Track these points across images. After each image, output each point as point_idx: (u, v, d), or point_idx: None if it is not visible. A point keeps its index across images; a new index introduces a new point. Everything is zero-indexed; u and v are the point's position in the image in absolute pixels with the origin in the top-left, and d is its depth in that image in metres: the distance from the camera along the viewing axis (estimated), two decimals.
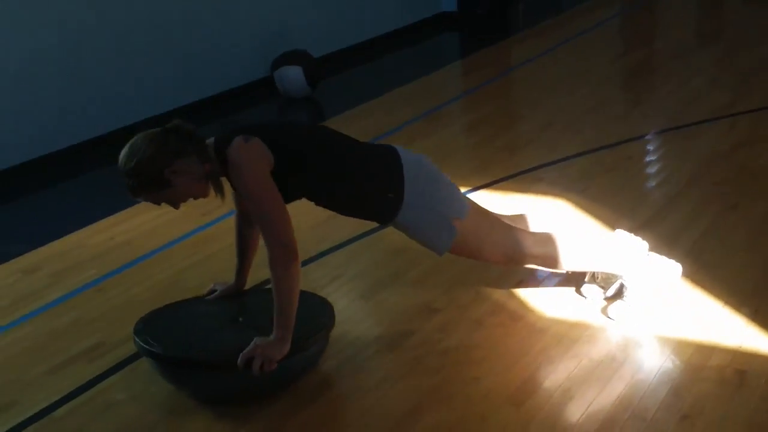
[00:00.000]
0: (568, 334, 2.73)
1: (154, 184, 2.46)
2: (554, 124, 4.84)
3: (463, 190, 3.12)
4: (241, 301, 2.80)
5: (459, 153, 4.57)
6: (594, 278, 2.93)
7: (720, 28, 7.09)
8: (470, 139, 4.80)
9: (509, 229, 2.77)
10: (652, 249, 3.20)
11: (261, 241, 2.58)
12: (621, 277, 2.83)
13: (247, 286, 2.88)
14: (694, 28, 7.37)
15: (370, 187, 2.61)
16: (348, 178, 2.60)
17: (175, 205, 2.55)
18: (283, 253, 2.41)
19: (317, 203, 2.69)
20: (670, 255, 3.13)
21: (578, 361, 2.59)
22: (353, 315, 3.00)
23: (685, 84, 5.36)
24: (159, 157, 2.43)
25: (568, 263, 2.78)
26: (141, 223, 4.05)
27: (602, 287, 2.91)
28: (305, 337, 2.51)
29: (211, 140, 2.53)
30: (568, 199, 3.75)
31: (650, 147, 4.37)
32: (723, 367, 2.49)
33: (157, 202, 2.54)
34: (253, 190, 2.42)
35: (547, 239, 2.77)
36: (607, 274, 2.88)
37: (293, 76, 5.91)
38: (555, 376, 2.54)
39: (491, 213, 2.86)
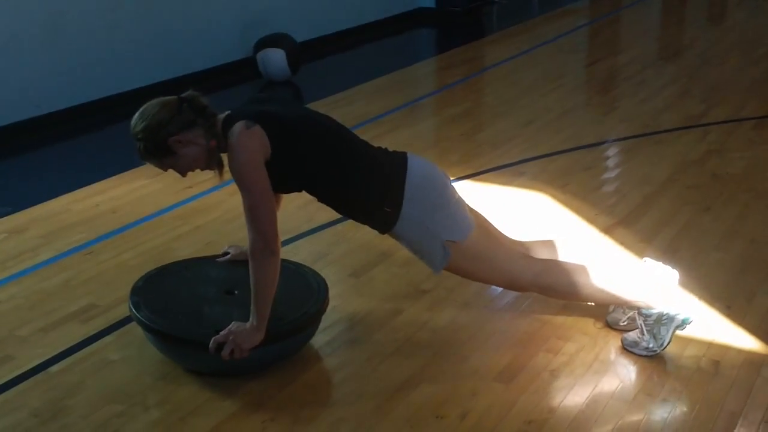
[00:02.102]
0: (553, 320, 2.84)
1: (158, 150, 2.48)
2: (534, 123, 4.97)
3: None
4: (246, 270, 2.80)
5: (442, 144, 4.67)
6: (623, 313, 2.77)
7: (686, 43, 7.31)
8: (452, 131, 4.90)
9: (514, 256, 2.68)
10: (630, 245, 3.36)
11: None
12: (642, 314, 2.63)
13: None
14: (661, 41, 7.58)
15: (367, 198, 2.56)
16: (345, 188, 2.56)
17: (182, 173, 2.57)
18: (262, 245, 2.41)
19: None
20: (647, 251, 3.30)
21: (563, 344, 2.70)
22: (343, 292, 3.07)
23: (658, 93, 5.53)
24: (166, 125, 2.44)
25: (575, 298, 2.73)
26: (124, 193, 4.07)
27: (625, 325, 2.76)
28: (292, 325, 2.56)
29: (222, 115, 2.52)
30: (549, 194, 3.88)
31: (626, 150, 4.52)
32: (699, 357, 2.62)
33: (163, 168, 2.56)
34: (242, 177, 2.42)
35: (555, 271, 2.66)
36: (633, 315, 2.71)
37: (276, 58, 5.96)
38: (541, 357, 2.65)
39: (499, 236, 2.75)
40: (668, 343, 2.58)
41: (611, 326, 2.77)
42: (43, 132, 5.11)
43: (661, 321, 2.58)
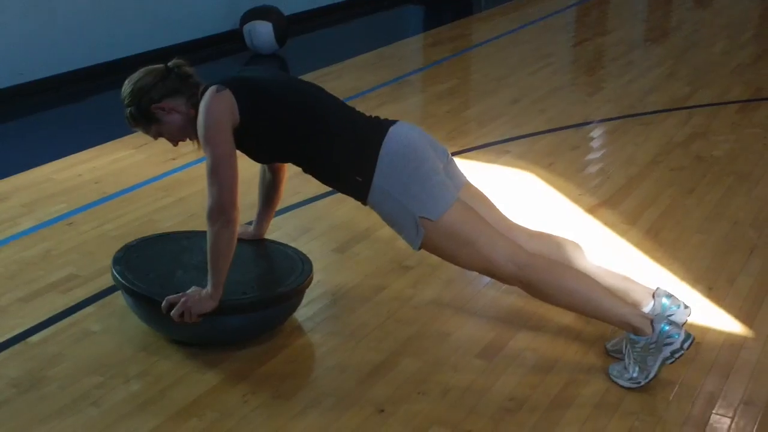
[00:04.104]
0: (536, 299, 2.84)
1: (142, 116, 2.50)
2: (520, 101, 4.96)
3: None
4: (241, 246, 2.65)
5: (428, 121, 4.65)
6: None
7: (673, 25, 7.30)
8: (439, 108, 4.88)
9: (501, 242, 2.44)
10: (613, 225, 3.37)
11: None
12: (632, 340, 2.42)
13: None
14: (648, 23, 7.57)
15: (338, 166, 2.48)
16: (317, 154, 2.49)
17: (171, 142, 2.58)
18: (217, 211, 2.39)
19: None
20: (631, 232, 3.31)
21: (546, 322, 2.71)
22: (326, 267, 3.07)
23: (645, 74, 5.53)
24: (149, 91, 2.47)
25: (556, 303, 2.50)
26: (107, 163, 4.04)
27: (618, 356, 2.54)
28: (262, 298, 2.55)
29: (203, 86, 2.50)
30: (535, 172, 3.88)
31: (612, 130, 4.52)
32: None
33: (152, 136, 2.57)
34: (204, 138, 2.40)
35: (542, 269, 2.44)
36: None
37: (263, 31, 5.91)
38: (523, 335, 2.65)
39: (493, 218, 2.55)
40: (654, 375, 2.36)
41: (609, 352, 2.56)
42: (26, 100, 5.06)
43: (648, 349, 2.37)
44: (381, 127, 2.48)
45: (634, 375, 2.39)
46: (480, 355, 2.56)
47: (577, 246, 2.64)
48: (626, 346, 2.43)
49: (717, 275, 2.99)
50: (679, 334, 2.35)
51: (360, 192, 2.47)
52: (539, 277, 2.43)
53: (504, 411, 2.31)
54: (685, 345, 2.35)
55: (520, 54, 6.10)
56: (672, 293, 2.59)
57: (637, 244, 3.21)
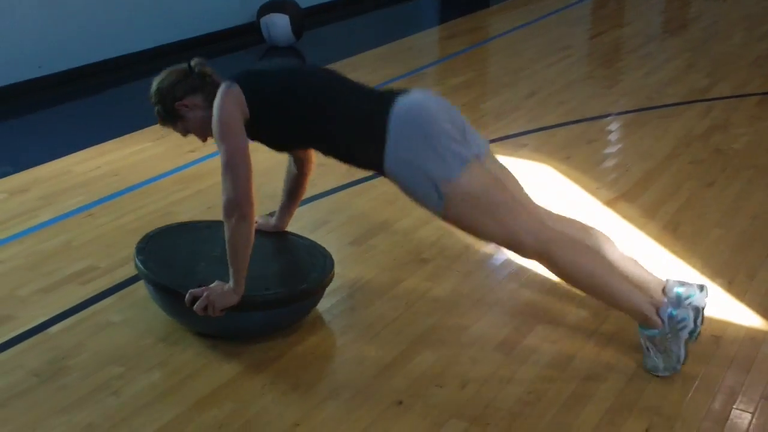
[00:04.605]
0: (555, 291, 2.83)
1: (168, 114, 2.57)
2: (537, 94, 4.94)
3: None
4: (262, 239, 2.70)
5: None
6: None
7: (691, 17, 7.26)
8: (455, 101, 4.82)
9: (523, 213, 2.42)
10: (631, 219, 3.36)
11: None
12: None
13: None
14: (666, 14, 7.52)
15: (350, 140, 2.48)
16: (325, 134, 2.50)
17: (201, 138, 2.63)
18: (231, 207, 2.40)
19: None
20: (649, 225, 3.30)
21: (563, 317, 2.70)
22: (344, 259, 3.06)
23: (663, 66, 5.50)
24: (173, 90, 2.53)
25: (574, 282, 2.49)
26: (125, 156, 4.06)
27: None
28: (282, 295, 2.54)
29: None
30: (552, 165, 3.87)
31: (629, 123, 4.50)
32: (700, 333, 2.61)
33: (180, 133, 2.62)
34: (216, 135, 2.44)
35: (564, 245, 2.42)
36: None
37: (280, 24, 5.92)
38: (541, 328, 2.64)
39: (515, 190, 2.49)
40: (685, 356, 2.40)
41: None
42: (45, 93, 5.09)
43: (666, 339, 2.39)
44: (390, 95, 2.45)
45: (666, 365, 2.41)
46: (498, 348, 2.55)
47: (601, 234, 2.60)
48: (646, 345, 2.44)
49: (737, 270, 2.97)
50: (688, 315, 2.40)
51: (375, 162, 2.44)
52: (561, 253, 2.41)
53: (523, 404, 2.30)
54: (698, 321, 2.43)
55: (536, 46, 6.08)
56: (684, 281, 2.56)
57: (656, 238, 3.20)
